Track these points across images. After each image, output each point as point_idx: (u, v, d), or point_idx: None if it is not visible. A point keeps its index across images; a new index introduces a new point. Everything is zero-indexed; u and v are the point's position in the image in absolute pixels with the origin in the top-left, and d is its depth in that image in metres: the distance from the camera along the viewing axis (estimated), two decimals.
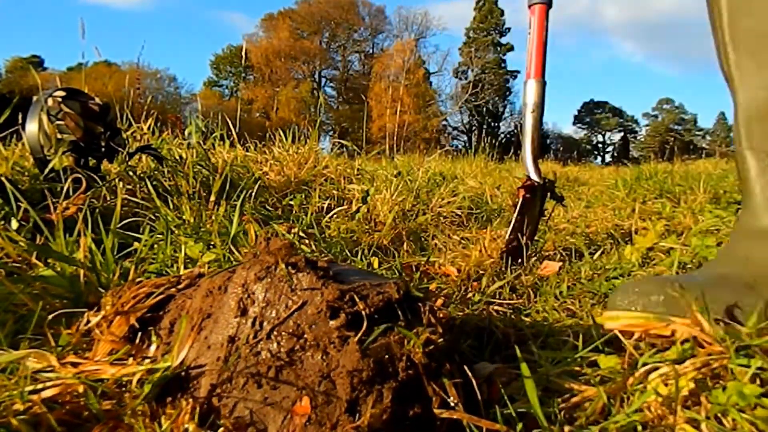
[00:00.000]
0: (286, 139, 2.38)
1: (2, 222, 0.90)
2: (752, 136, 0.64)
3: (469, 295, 0.96)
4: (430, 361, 0.46)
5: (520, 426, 0.47)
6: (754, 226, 0.67)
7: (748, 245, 0.67)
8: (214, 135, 2.13)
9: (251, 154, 2.25)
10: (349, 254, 1.14)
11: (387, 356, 0.45)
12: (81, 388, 0.42)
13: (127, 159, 1.38)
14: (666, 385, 0.50)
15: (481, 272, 1.13)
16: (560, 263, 1.22)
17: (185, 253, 0.90)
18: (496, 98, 33.95)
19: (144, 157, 1.62)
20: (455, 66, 34.12)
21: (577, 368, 0.61)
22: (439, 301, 0.89)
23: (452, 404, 0.45)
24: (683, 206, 1.83)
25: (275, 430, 0.41)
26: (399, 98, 29.05)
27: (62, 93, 1.21)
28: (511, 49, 34.22)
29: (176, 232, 1.03)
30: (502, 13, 33.45)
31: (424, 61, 33.11)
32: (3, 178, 0.96)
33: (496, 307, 0.91)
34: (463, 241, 1.47)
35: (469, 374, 0.49)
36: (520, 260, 1.26)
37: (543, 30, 1.28)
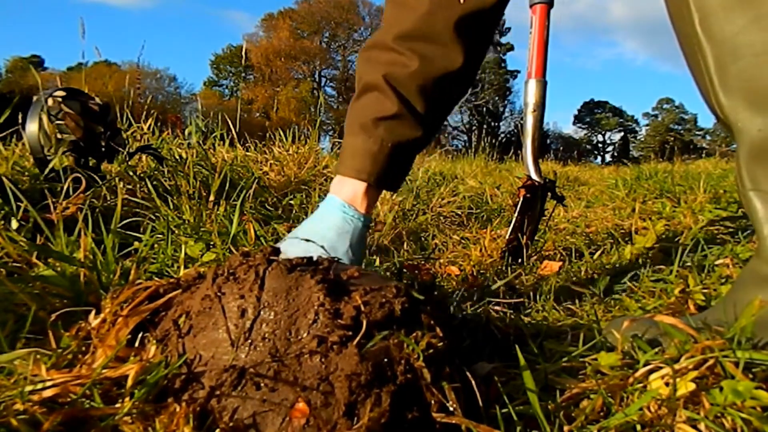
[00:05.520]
0: (286, 139, 2.38)
1: (2, 222, 0.90)
2: (755, 178, 0.64)
3: (469, 294, 0.96)
4: (429, 365, 0.46)
5: (519, 426, 0.47)
6: (762, 271, 0.65)
7: (753, 291, 0.65)
8: (214, 135, 2.13)
9: (251, 153, 2.25)
10: None
11: (386, 360, 0.45)
12: (80, 390, 0.42)
13: (127, 159, 1.39)
14: (667, 385, 0.50)
15: (481, 272, 1.13)
16: (560, 263, 1.22)
17: (185, 253, 0.90)
18: (496, 98, 33.93)
19: (144, 157, 1.62)
20: None
21: (577, 366, 0.61)
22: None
23: (451, 408, 0.45)
24: (683, 206, 1.83)
25: (274, 431, 0.41)
26: None
27: (62, 93, 1.21)
28: (511, 48, 34.22)
29: (176, 231, 1.03)
30: None
31: None
32: (3, 178, 0.96)
33: (496, 307, 0.91)
34: (463, 240, 1.47)
35: (469, 376, 0.49)
36: (520, 260, 1.26)
37: (544, 29, 1.28)
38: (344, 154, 0.80)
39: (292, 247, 0.74)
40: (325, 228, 0.76)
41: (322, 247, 0.74)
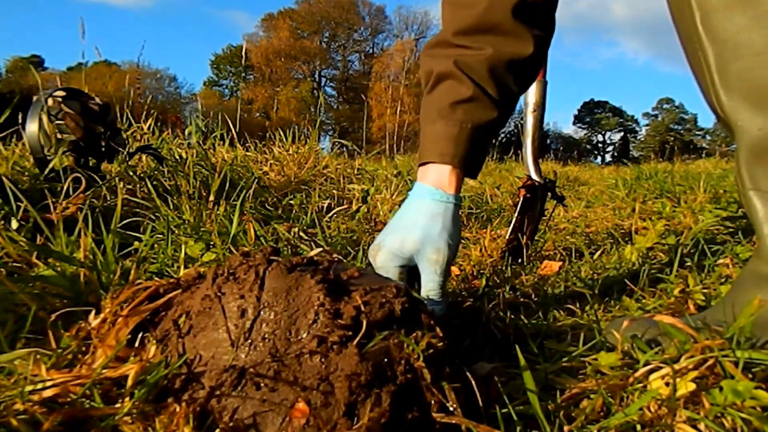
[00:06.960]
0: (286, 139, 2.38)
1: (2, 222, 0.90)
2: (755, 178, 0.64)
3: (469, 294, 0.96)
4: (429, 365, 0.46)
5: (519, 426, 0.47)
6: (762, 270, 0.65)
7: (753, 291, 0.65)
8: (214, 135, 2.13)
9: (251, 153, 2.25)
10: (349, 254, 1.14)
11: (386, 360, 0.45)
12: (80, 390, 0.42)
13: (127, 159, 1.39)
14: (668, 385, 0.50)
15: (481, 272, 1.13)
16: (560, 263, 1.22)
17: (185, 253, 0.90)
18: None
19: (144, 157, 1.62)
20: None
21: (577, 366, 0.61)
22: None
23: (451, 408, 0.45)
24: (683, 206, 1.83)
25: (274, 431, 0.41)
26: (399, 98, 29.05)
27: (62, 93, 1.21)
28: None
29: (176, 231, 1.03)
30: None
31: None
32: (3, 178, 0.96)
33: (496, 307, 0.91)
34: (463, 240, 1.47)
35: (469, 376, 0.49)
36: (520, 260, 1.26)
37: None
38: (425, 142, 0.81)
39: (389, 238, 0.75)
40: (417, 214, 0.76)
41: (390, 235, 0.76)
